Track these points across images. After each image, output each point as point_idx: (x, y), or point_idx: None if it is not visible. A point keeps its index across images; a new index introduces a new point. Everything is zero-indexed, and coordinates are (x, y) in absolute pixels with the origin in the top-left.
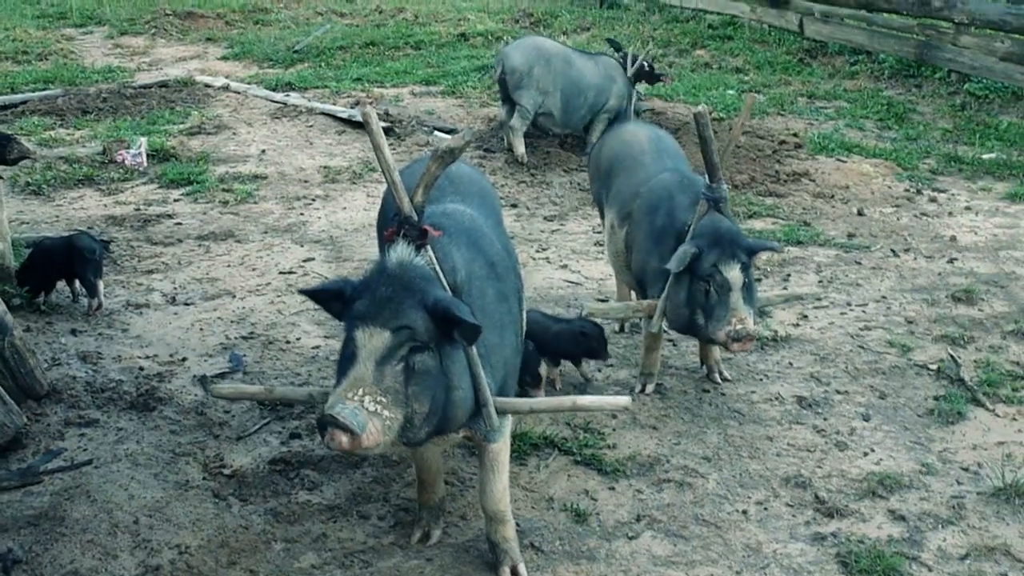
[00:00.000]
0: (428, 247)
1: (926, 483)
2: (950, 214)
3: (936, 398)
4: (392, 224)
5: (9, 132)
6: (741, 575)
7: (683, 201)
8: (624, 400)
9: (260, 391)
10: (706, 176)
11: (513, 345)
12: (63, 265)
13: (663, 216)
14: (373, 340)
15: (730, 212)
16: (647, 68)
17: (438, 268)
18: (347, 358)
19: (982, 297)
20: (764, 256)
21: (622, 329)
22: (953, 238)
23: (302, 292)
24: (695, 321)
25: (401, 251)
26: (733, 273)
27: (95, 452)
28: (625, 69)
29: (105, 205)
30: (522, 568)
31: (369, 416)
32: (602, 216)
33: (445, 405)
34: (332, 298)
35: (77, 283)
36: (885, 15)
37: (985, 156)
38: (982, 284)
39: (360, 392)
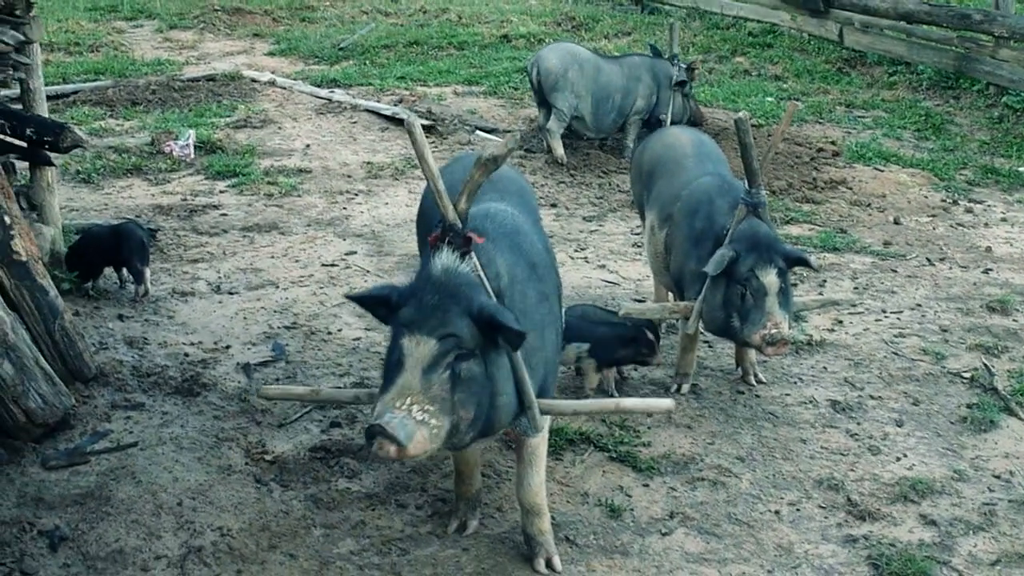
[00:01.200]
0: (472, 253)
1: (958, 489)
2: (986, 225)
3: (969, 406)
4: (436, 230)
5: (62, 121)
6: (773, 574)
7: (723, 205)
8: (668, 403)
9: (307, 392)
10: (746, 181)
11: (553, 344)
12: (111, 252)
13: (702, 219)
14: (420, 348)
15: (768, 218)
16: (687, 71)
17: (482, 274)
18: (393, 364)
19: (1017, 308)
20: None
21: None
22: (988, 249)
23: (349, 297)
24: (730, 324)
25: (446, 258)
26: (769, 278)
27: (140, 435)
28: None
29: (153, 195)
30: (556, 560)
31: (416, 425)
32: (642, 218)
33: (490, 410)
34: (378, 304)
35: (124, 270)
36: (925, 27)
37: (1022, 169)
38: (1017, 295)
39: (408, 401)
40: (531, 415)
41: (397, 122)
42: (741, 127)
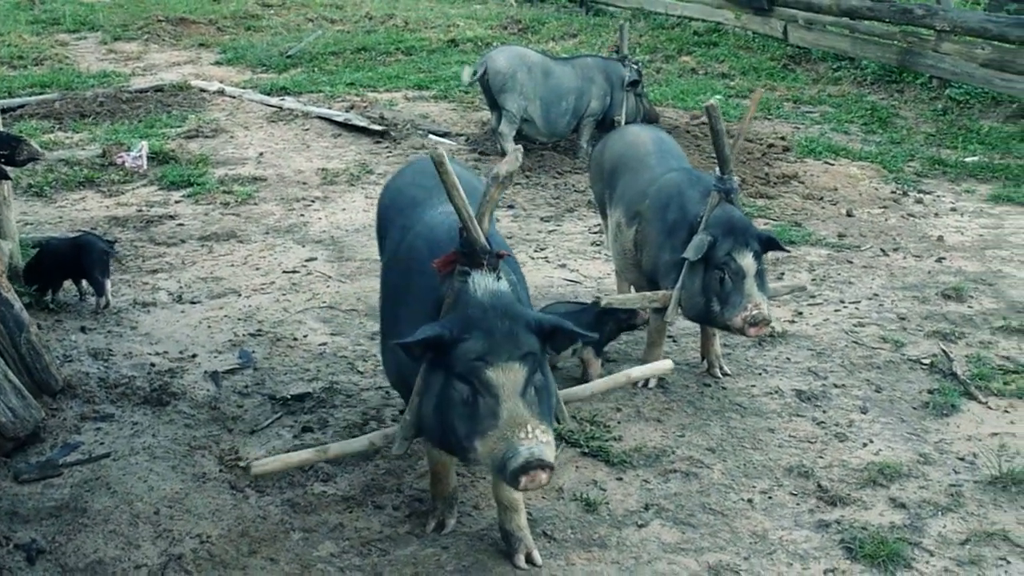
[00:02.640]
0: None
1: (924, 472)
2: (936, 215)
3: (930, 391)
4: (455, 251)
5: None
6: (749, 561)
7: (694, 195)
8: (668, 363)
9: (312, 455)
10: (717, 168)
11: None
12: (71, 264)
13: (675, 211)
14: (509, 376)
15: (740, 203)
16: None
17: (511, 287)
18: (482, 401)
19: (971, 295)
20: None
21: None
22: (940, 238)
23: (398, 345)
24: (711, 308)
25: (487, 281)
26: (747, 260)
27: (112, 445)
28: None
29: (107, 207)
30: (536, 555)
31: (547, 446)
32: (603, 216)
33: (555, 411)
34: (431, 347)
35: (84, 282)
36: (867, 22)
37: (968, 159)
38: (970, 282)
39: (528, 428)
40: (559, 408)
41: (349, 128)
42: (712, 113)
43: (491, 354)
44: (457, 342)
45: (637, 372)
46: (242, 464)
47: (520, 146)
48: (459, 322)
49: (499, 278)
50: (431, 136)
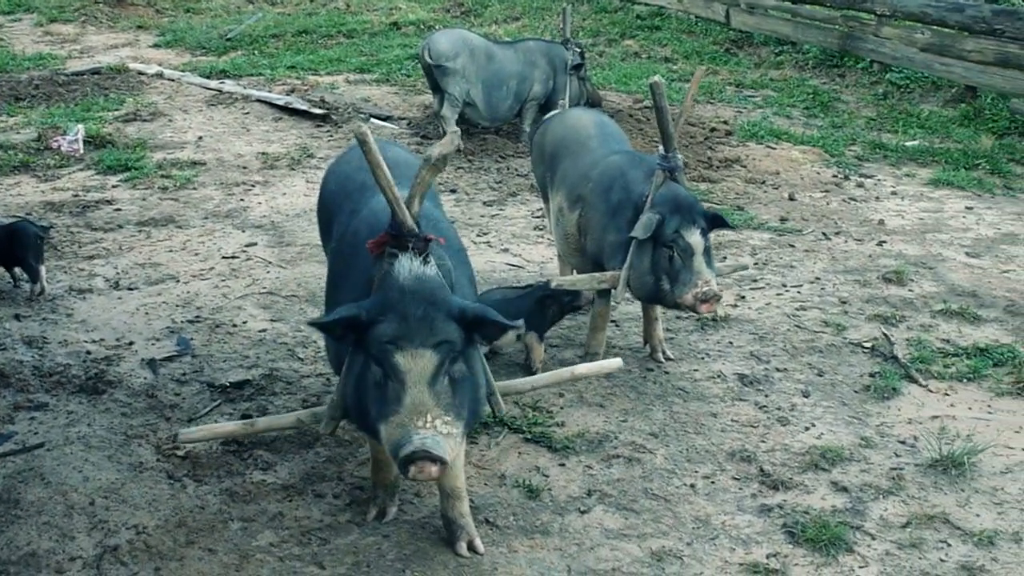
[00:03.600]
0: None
1: (866, 456)
2: (877, 199)
3: (871, 375)
4: (385, 233)
5: None
6: (692, 546)
7: (637, 175)
8: (617, 362)
9: (238, 428)
10: (661, 146)
11: None
12: (3, 251)
13: (619, 191)
14: (418, 362)
15: (685, 182)
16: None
17: (441, 273)
18: (389, 387)
19: (911, 278)
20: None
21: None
22: (881, 222)
23: (313, 324)
24: (660, 287)
25: (412, 264)
26: (695, 238)
27: (46, 435)
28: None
29: (42, 191)
30: (478, 542)
31: (446, 439)
32: (545, 200)
33: (478, 404)
34: (348, 327)
35: (16, 268)
36: (809, 6)
37: (908, 143)
38: (911, 266)
39: (428, 418)
40: (495, 400)
41: (290, 112)
42: (656, 91)
43: (402, 338)
44: (372, 324)
45: (582, 369)
46: (179, 453)
47: (457, 129)
48: (377, 304)
49: (426, 262)
50: (372, 120)
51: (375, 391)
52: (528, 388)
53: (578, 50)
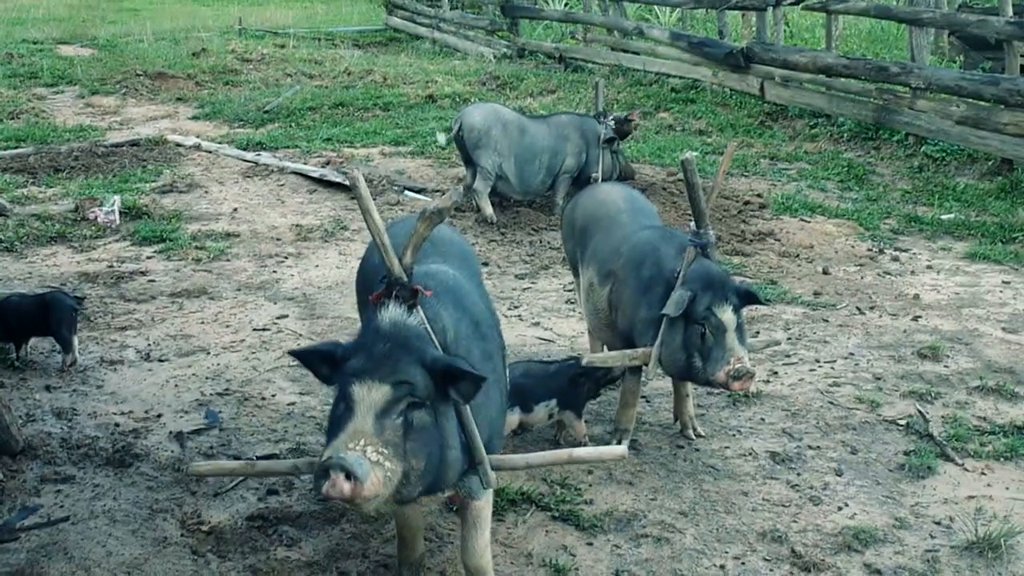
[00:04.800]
0: (419, 307)
1: (900, 537)
2: (912, 273)
3: (906, 453)
4: (380, 287)
5: None
6: None
7: (669, 251)
8: (620, 449)
9: (240, 466)
10: (693, 222)
11: (498, 404)
12: (35, 321)
13: (650, 267)
14: (372, 394)
15: (716, 258)
16: (617, 124)
17: (429, 328)
18: (342, 415)
19: (947, 354)
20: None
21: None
22: (916, 296)
23: (292, 354)
24: (692, 364)
25: (393, 312)
26: (727, 315)
27: (72, 508)
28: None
29: (78, 262)
30: None
31: (372, 465)
32: (576, 275)
33: (439, 463)
34: (322, 360)
35: (28, 342)
36: (843, 80)
37: (944, 217)
38: (946, 341)
39: (361, 442)
40: (482, 470)
41: (325, 184)
42: (688, 167)
43: (362, 372)
44: (344, 360)
45: (581, 452)
46: (203, 528)
47: (459, 187)
48: (353, 344)
49: (409, 312)
50: (407, 192)
51: (333, 424)
52: (523, 465)
53: (611, 124)
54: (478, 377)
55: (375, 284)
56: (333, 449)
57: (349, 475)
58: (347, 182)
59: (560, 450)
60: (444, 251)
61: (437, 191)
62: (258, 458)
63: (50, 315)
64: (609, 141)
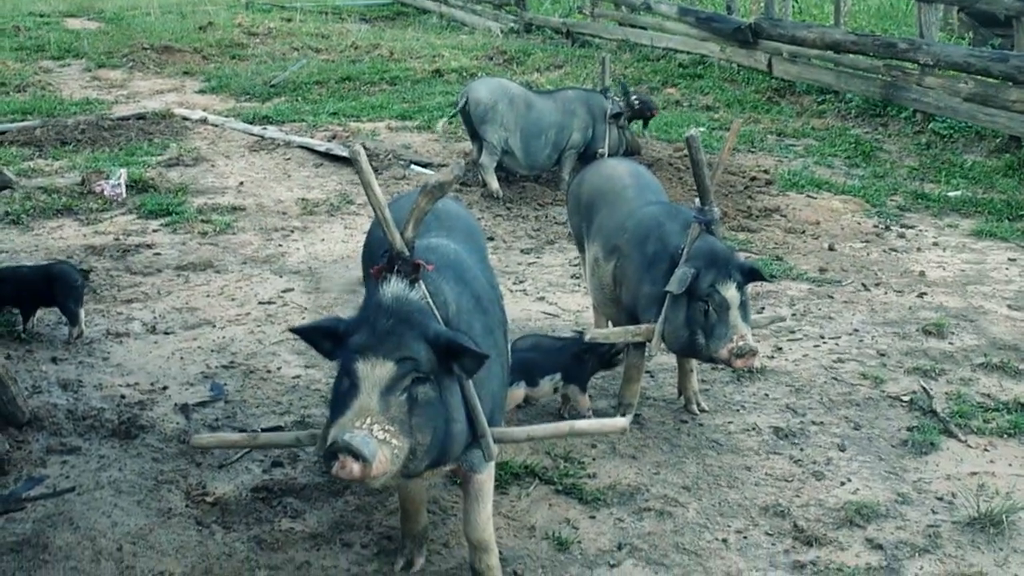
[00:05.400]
0: (420, 282)
1: (902, 512)
2: (918, 250)
3: (909, 429)
4: (381, 261)
5: None
6: None
7: (673, 227)
8: (622, 422)
9: (243, 438)
10: (697, 199)
11: (500, 378)
12: (40, 292)
13: (654, 243)
14: (376, 371)
15: (721, 234)
16: (637, 105)
17: (431, 302)
18: (346, 392)
19: (952, 331)
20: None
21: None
22: (922, 273)
23: (293, 331)
24: (695, 341)
25: (395, 286)
26: (731, 292)
27: (77, 479)
28: (610, 107)
29: (84, 235)
30: None
31: (379, 444)
32: (581, 250)
33: (444, 437)
34: (324, 336)
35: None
36: (852, 56)
37: (951, 194)
38: (951, 318)
39: (367, 421)
40: (485, 443)
41: (331, 158)
42: (693, 144)
43: (365, 349)
44: (347, 336)
45: (583, 425)
46: (208, 499)
47: (461, 161)
48: (355, 320)
49: (411, 287)
50: (413, 166)
51: (338, 400)
52: (524, 438)
53: (621, 98)
54: (481, 353)
55: (379, 258)
56: (340, 428)
57: (357, 456)
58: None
59: (561, 423)
60: (449, 225)
61: (443, 166)
62: (263, 430)
63: (56, 287)
64: (616, 116)
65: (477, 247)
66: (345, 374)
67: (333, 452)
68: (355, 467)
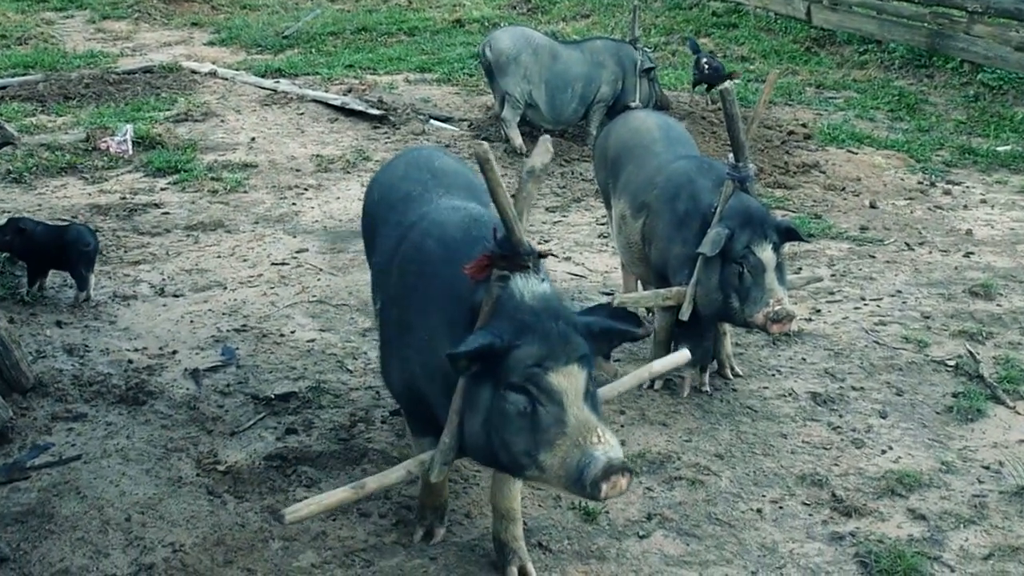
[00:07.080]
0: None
1: (946, 482)
2: (965, 207)
3: (955, 395)
4: (490, 252)
5: None
6: (756, 575)
7: (705, 184)
8: (686, 354)
9: (348, 494)
10: (731, 154)
11: None
12: (50, 254)
13: (686, 201)
14: (572, 380)
15: (755, 192)
16: (707, 70)
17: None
18: (542, 410)
19: (1000, 292)
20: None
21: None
22: (969, 231)
23: (450, 356)
24: (729, 305)
25: (530, 283)
26: (766, 253)
27: (84, 447)
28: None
29: (89, 194)
30: (530, 567)
31: (620, 451)
32: (608, 207)
33: None
34: (484, 356)
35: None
36: (896, 3)
37: (1000, 148)
38: (1000, 279)
39: (600, 434)
40: None
41: (346, 112)
42: (727, 97)
43: (549, 359)
44: (509, 350)
45: (658, 365)
46: (219, 467)
47: (547, 136)
48: (509, 328)
49: (543, 280)
50: (432, 121)
51: (521, 421)
52: (615, 394)
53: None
54: (632, 334)
55: (388, 216)
56: (580, 451)
57: (629, 471)
58: (371, 111)
59: (640, 369)
60: (448, 183)
61: (464, 120)
62: (275, 397)
63: (69, 250)
64: (647, 71)
65: (481, 203)
66: (520, 391)
67: (606, 476)
68: (624, 481)
